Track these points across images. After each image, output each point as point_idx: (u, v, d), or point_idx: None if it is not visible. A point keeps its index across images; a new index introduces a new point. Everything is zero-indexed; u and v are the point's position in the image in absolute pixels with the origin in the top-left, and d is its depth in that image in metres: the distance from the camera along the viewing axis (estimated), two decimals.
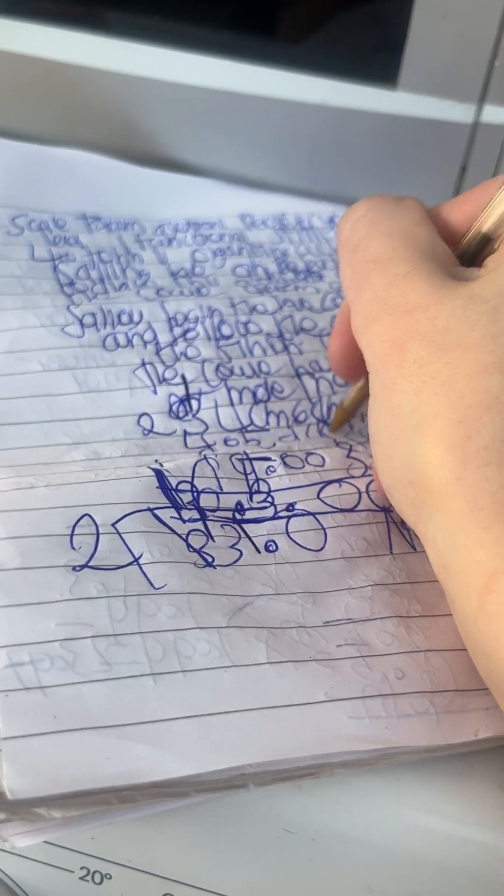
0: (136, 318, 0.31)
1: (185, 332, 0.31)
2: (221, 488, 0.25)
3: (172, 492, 0.25)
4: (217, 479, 0.26)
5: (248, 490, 0.26)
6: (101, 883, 0.24)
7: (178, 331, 0.31)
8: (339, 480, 0.26)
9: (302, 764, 0.20)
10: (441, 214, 0.25)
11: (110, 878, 0.24)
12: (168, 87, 0.37)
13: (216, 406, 0.29)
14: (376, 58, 0.35)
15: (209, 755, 0.19)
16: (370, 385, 0.22)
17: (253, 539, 0.24)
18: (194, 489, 0.25)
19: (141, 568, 0.22)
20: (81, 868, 0.24)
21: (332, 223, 0.38)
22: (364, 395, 0.27)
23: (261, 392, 0.30)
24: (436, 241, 0.22)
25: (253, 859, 0.23)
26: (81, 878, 0.24)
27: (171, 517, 0.24)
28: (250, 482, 0.26)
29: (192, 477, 0.25)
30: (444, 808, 0.22)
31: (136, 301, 0.32)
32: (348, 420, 0.29)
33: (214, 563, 0.23)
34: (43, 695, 0.19)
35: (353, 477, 0.26)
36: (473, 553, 0.18)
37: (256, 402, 0.29)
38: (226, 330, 0.31)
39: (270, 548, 0.24)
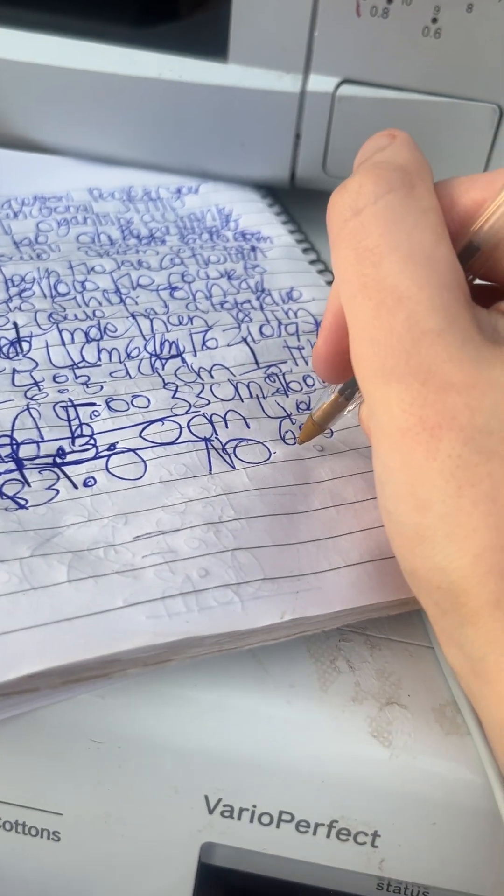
0: None
1: (21, 291, 0.32)
2: (42, 437, 0.26)
3: None
4: (38, 429, 0.26)
5: (70, 435, 0.26)
6: None
7: (13, 290, 0.32)
8: (161, 419, 0.27)
9: (91, 662, 0.21)
10: (449, 199, 0.22)
11: None
12: (11, 67, 0.38)
13: (47, 346, 0.30)
14: (206, 33, 0.37)
15: (1, 668, 0.20)
16: (375, 448, 0.20)
17: (71, 478, 0.25)
18: (13, 442, 0.26)
19: None
20: None
21: (179, 193, 0.40)
22: (338, 410, 0.26)
23: (93, 332, 0.31)
24: (457, 269, 0.20)
25: (65, 772, 0.23)
26: None
27: None
28: (73, 427, 0.27)
29: (12, 430, 0.26)
30: (238, 705, 0.23)
31: None
32: (319, 434, 0.27)
33: (27, 505, 0.24)
34: None
35: (175, 415, 0.28)
36: None
37: (89, 341, 0.30)
38: (62, 288, 0.33)
39: (88, 483, 0.25)
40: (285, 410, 0.28)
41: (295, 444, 0.27)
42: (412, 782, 0.22)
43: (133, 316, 0.32)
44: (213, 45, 0.36)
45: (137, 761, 0.23)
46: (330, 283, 0.35)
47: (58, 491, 0.25)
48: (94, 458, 0.26)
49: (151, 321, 0.31)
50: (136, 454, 0.26)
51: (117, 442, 0.26)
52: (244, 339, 0.31)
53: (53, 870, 0.25)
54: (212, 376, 0.29)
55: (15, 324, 0.30)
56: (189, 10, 0.37)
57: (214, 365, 0.30)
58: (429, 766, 0.22)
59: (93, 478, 0.25)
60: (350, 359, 0.21)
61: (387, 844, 0.23)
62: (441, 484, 0.19)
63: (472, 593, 0.18)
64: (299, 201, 0.40)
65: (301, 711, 0.23)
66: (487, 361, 0.19)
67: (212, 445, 0.27)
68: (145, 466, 0.26)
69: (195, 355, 0.30)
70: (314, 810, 0.23)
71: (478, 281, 0.23)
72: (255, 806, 0.23)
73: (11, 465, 0.25)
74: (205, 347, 0.31)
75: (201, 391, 0.29)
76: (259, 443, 0.27)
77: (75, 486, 0.25)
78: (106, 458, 0.26)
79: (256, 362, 0.30)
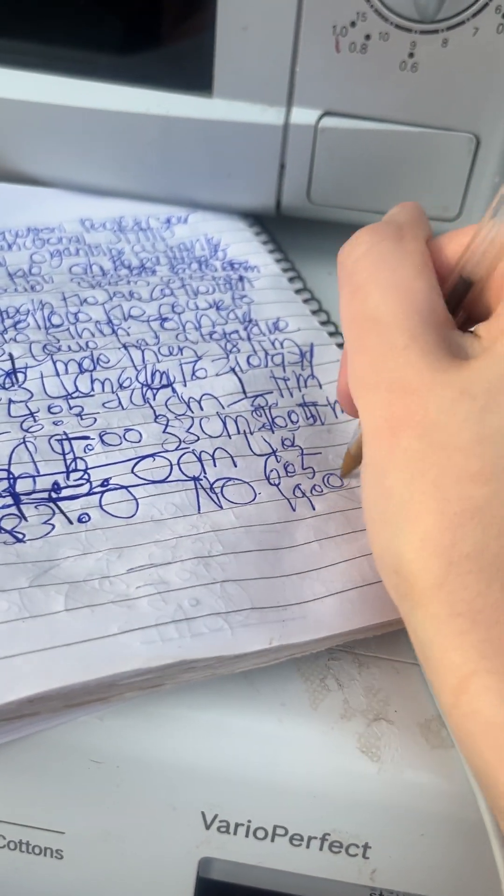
0: None
1: (16, 322, 0.33)
2: (38, 471, 0.27)
3: None
4: (34, 462, 0.27)
5: (65, 470, 0.27)
6: None
7: (8, 322, 0.33)
8: (153, 455, 0.28)
9: (90, 686, 0.22)
10: (438, 247, 0.25)
11: None
12: (8, 105, 0.39)
13: (42, 377, 0.31)
14: (191, 69, 0.38)
15: (2, 690, 0.21)
16: (363, 449, 0.22)
17: (66, 513, 0.26)
18: (10, 476, 0.27)
19: None
20: None
21: (169, 223, 0.41)
22: None
23: (87, 363, 0.32)
24: (433, 299, 0.23)
25: (67, 792, 0.24)
26: None
27: None
28: (68, 462, 0.28)
29: (9, 464, 0.27)
30: (232, 725, 0.24)
31: None
32: (359, 464, 0.28)
33: (25, 539, 0.25)
34: None
35: (166, 451, 0.29)
36: (449, 654, 0.19)
37: (82, 371, 0.31)
38: (56, 320, 0.34)
39: (83, 519, 0.26)
40: (271, 446, 0.29)
41: (279, 484, 0.28)
42: (400, 795, 0.23)
43: (125, 347, 0.33)
44: (198, 80, 0.38)
45: (136, 780, 0.24)
46: (315, 311, 0.36)
47: (53, 526, 0.26)
48: (88, 493, 0.27)
49: (143, 352, 0.32)
50: (129, 492, 0.27)
51: (110, 478, 0.27)
52: (232, 370, 0.32)
53: (56, 888, 0.26)
54: (201, 408, 0.30)
55: (10, 355, 0.31)
56: (174, 47, 0.38)
57: (204, 395, 0.31)
58: (416, 779, 0.23)
59: (87, 514, 0.26)
60: None
61: (377, 855, 0.24)
62: (399, 474, 0.20)
63: (419, 576, 0.20)
64: (285, 229, 0.42)
65: (292, 729, 0.24)
66: (443, 369, 0.21)
67: (200, 485, 0.28)
68: (137, 505, 0.27)
69: (185, 385, 0.31)
70: (307, 824, 0.24)
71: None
72: (249, 821, 0.24)
73: (9, 500, 0.26)
74: (194, 377, 0.32)
75: (191, 426, 0.30)
76: (245, 483, 0.28)
77: (70, 522, 0.26)
78: (100, 495, 0.27)
79: (244, 392, 0.31)
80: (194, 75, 0.38)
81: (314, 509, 0.28)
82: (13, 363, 0.31)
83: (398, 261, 0.23)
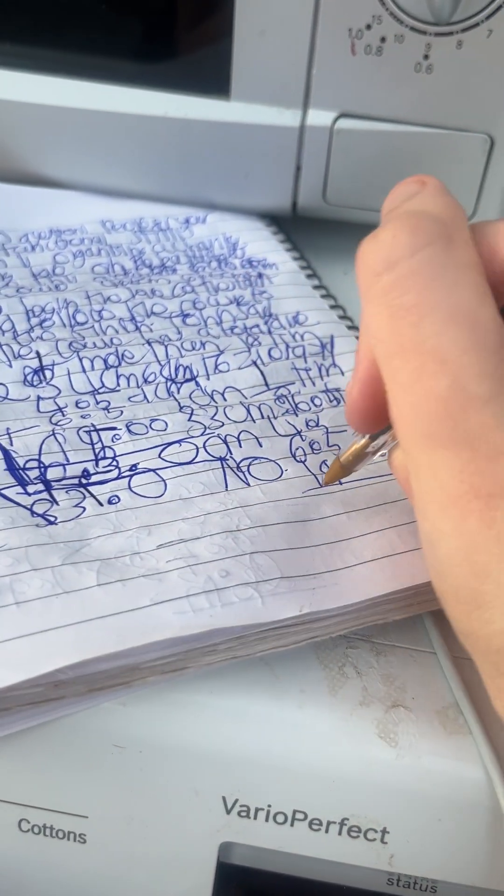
0: None
1: (42, 321, 0.34)
2: (68, 460, 0.28)
3: (19, 471, 0.27)
4: (64, 452, 0.28)
5: (94, 458, 0.28)
6: None
7: (34, 321, 0.34)
8: (179, 441, 0.29)
9: (116, 664, 0.22)
10: (487, 244, 0.21)
11: None
12: (32, 109, 0.40)
13: (69, 374, 0.32)
14: (209, 72, 0.38)
15: (39, 662, 0.22)
16: (421, 504, 0.20)
17: (97, 496, 0.27)
18: (41, 465, 0.28)
19: None
20: None
21: (188, 223, 0.42)
22: (366, 456, 0.26)
23: (112, 359, 0.33)
24: (499, 329, 0.19)
25: (90, 776, 0.25)
26: None
27: (18, 493, 0.27)
28: (97, 450, 0.29)
29: (39, 455, 0.28)
30: (252, 710, 0.24)
31: None
32: (345, 476, 0.27)
33: (56, 521, 0.26)
34: None
35: (192, 437, 0.29)
36: None
37: (108, 367, 0.32)
38: (80, 318, 0.34)
39: (113, 501, 0.27)
40: (295, 428, 0.30)
41: (306, 460, 0.29)
42: (418, 781, 0.24)
43: (148, 343, 0.33)
44: (216, 83, 0.38)
45: (158, 765, 0.25)
46: (333, 307, 0.37)
47: (84, 508, 0.26)
48: (118, 478, 0.28)
49: (166, 347, 0.33)
50: (157, 474, 0.28)
51: (138, 463, 0.28)
52: (254, 363, 0.33)
53: (80, 871, 0.27)
54: (224, 399, 0.31)
55: (37, 353, 0.32)
56: (193, 52, 0.39)
57: (227, 388, 0.32)
58: (433, 765, 0.24)
59: (117, 496, 0.27)
60: (385, 409, 0.21)
61: (395, 841, 0.25)
62: (499, 552, 0.19)
63: None
64: (301, 229, 0.42)
65: (312, 715, 0.24)
66: None
67: (227, 464, 0.28)
68: (165, 485, 0.27)
69: (208, 379, 0.32)
70: (326, 809, 0.25)
71: None
72: (269, 806, 0.25)
73: (40, 487, 0.27)
74: (217, 371, 0.32)
75: (215, 414, 0.30)
76: (271, 461, 0.29)
77: (101, 504, 0.27)
78: (128, 478, 0.28)
79: (266, 384, 0.32)
80: (212, 79, 0.38)
81: (341, 483, 0.28)
82: (41, 361, 0.32)
83: (454, 278, 0.19)
